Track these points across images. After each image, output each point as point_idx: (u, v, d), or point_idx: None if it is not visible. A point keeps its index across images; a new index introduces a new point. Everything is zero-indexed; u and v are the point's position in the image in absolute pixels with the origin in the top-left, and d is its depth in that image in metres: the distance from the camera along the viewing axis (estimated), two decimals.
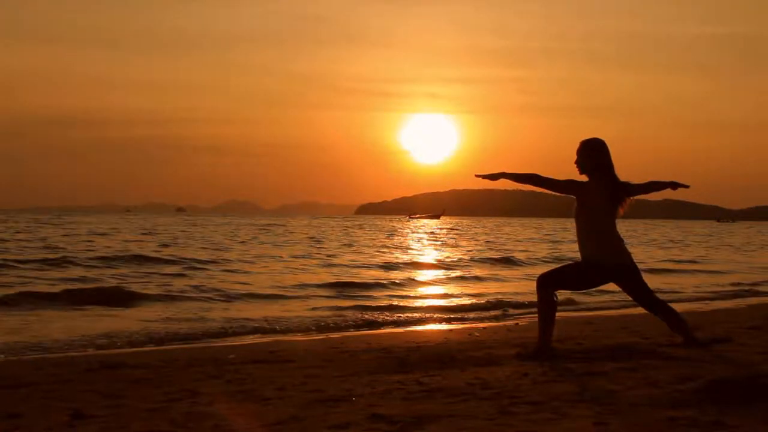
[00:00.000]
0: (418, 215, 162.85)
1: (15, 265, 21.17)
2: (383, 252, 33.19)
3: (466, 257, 29.77)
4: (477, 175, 6.36)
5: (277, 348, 8.50)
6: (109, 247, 31.49)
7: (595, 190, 6.27)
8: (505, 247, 39.04)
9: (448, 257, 29.96)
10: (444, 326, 11.50)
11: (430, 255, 31.94)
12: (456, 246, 40.57)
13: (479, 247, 39.01)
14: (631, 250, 6.47)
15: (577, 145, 6.42)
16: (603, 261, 6.26)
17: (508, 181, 6.34)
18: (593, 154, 6.32)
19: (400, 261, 27.19)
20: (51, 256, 24.26)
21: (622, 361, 5.81)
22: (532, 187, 6.40)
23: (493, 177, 6.31)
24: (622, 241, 6.36)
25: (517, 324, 11.06)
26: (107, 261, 23.50)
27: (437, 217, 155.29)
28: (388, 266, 24.80)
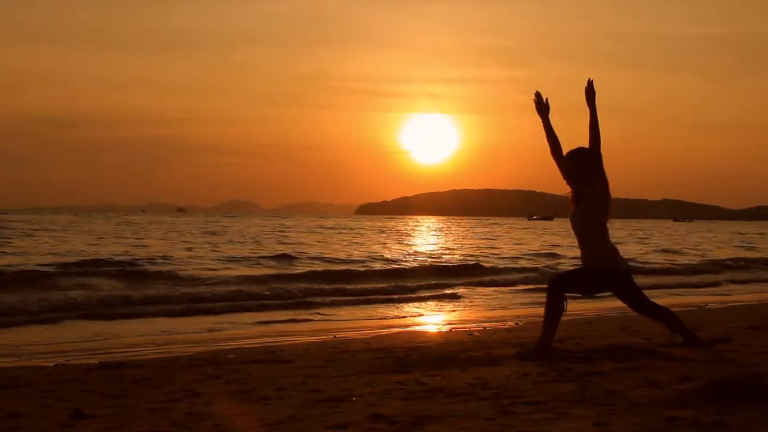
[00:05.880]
0: (536, 216, 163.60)
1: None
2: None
3: None
4: (538, 92, 6.55)
5: (276, 348, 8.50)
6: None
7: (603, 192, 6.26)
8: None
9: None
10: (442, 327, 11.50)
11: None
12: None
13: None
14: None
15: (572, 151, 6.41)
16: (607, 267, 6.24)
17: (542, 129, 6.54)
18: (600, 165, 6.31)
19: None
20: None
21: (622, 361, 5.80)
22: (549, 148, 6.51)
23: (542, 109, 6.53)
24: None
25: (517, 324, 11.08)
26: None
27: (550, 218, 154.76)
28: None
